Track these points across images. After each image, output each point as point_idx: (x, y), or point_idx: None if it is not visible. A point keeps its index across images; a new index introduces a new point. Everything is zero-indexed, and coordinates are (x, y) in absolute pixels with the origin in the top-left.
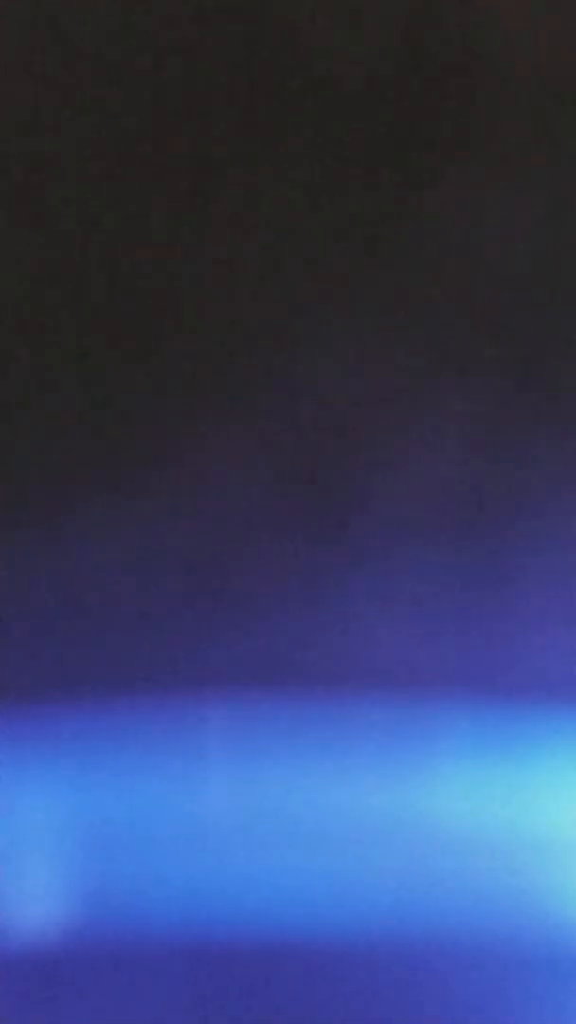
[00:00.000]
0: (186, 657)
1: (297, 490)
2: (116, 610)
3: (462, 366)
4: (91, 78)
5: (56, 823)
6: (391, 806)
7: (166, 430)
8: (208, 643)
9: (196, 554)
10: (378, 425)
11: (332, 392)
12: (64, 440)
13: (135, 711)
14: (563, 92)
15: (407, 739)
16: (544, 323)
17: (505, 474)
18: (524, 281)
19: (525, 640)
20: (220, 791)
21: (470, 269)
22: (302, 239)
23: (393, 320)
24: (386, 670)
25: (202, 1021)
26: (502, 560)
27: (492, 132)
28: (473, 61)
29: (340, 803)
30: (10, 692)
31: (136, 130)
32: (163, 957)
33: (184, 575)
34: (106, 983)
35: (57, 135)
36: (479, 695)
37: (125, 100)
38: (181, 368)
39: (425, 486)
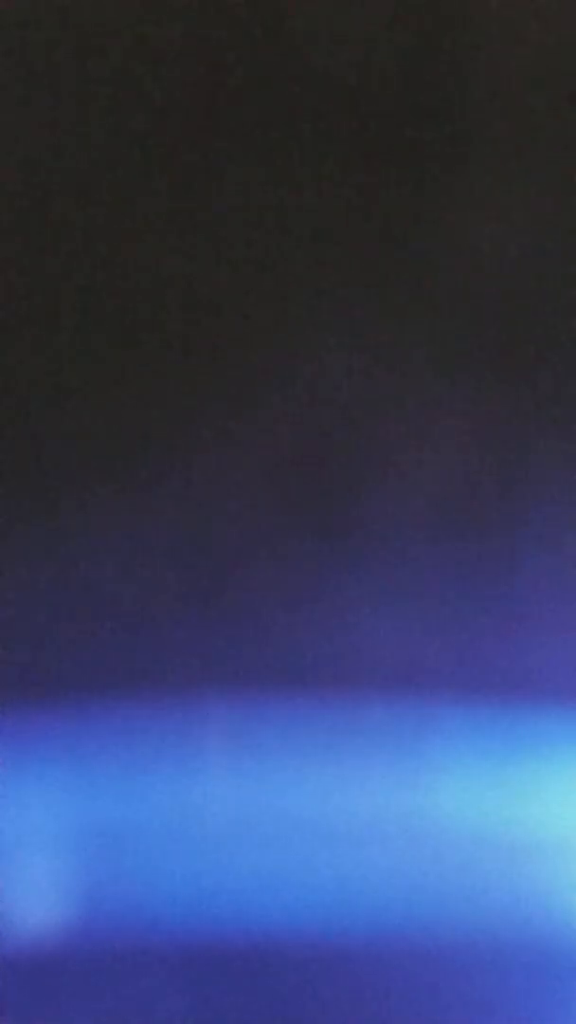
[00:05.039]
0: (186, 657)
1: (297, 490)
2: (116, 610)
3: (462, 366)
4: (92, 78)
5: (56, 823)
6: (391, 805)
7: (166, 430)
8: (208, 643)
9: (196, 554)
10: (378, 425)
11: (332, 392)
12: (64, 440)
13: (135, 711)
14: (563, 93)
15: (407, 739)
16: (543, 323)
17: (505, 474)
18: (524, 282)
19: (525, 640)
20: (220, 791)
21: (470, 270)
22: (302, 240)
23: (393, 320)
24: (386, 670)
25: (202, 1020)
26: (502, 560)
27: (492, 134)
28: (472, 63)
29: (340, 802)
30: (10, 692)
31: (136, 131)
32: (163, 957)
33: (184, 575)
34: (106, 983)
35: (56, 136)
36: (479, 695)
37: (125, 102)
38: (182, 368)
39: (425, 486)
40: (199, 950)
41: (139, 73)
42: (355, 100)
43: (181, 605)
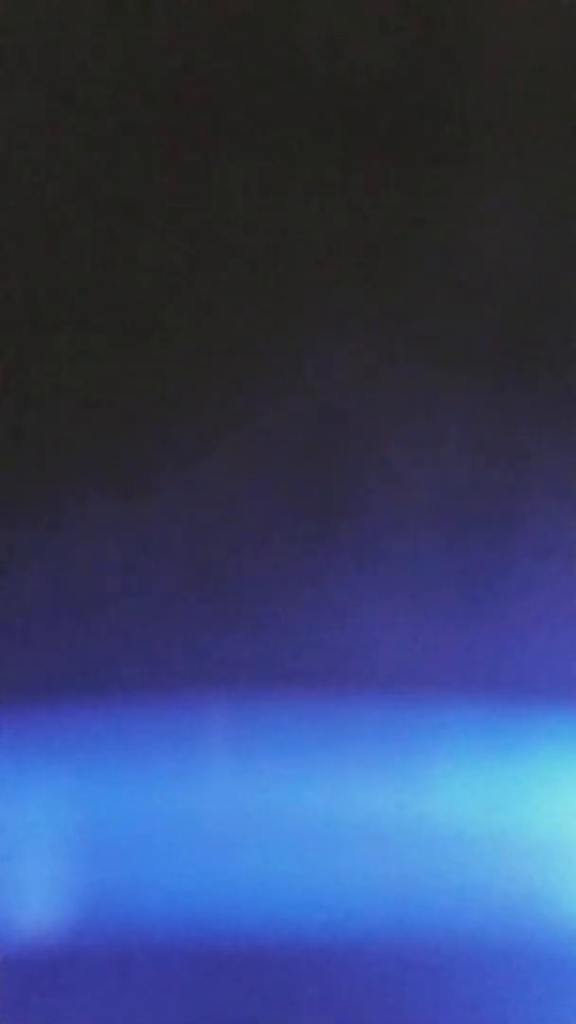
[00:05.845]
0: (186, 655)
1: (297, 489)
2: (116, 609)
3: (462, 366)
4: (92, 78)
5: (56, 823)
6: (391, 805)
7: (166, 429)
8: (208, 642)
9: (196, 552)
10: (378, 425)
11: (332, 392)
12: (64, 439)
13: (135, 711)
14: (563, 93)
15: (407, 739)
16: (544, 324)
17: (504, 474)
18: (524, 282)
19: (524, 639)
20: (220, 791)
21: (470, 270)
22: (302, 240)
23: (393, 320)
24: (386, 670)
25: (202, 1021)
26: (502, 560)
27: (492, 134)
28: (472, 63)
29: (340, 802)
30: (10, 692)
31: (138, 132)
32: (163, 957)
33: (184, 573)
34: (106, 983)
35: (56, 136)
36: (479, 695)
37: (125, 101)
38: (182, 367)
39: (425, 486)
40: (199, 950)
41: (139, 73)
42: (355, 100)
43: (181, 605)
